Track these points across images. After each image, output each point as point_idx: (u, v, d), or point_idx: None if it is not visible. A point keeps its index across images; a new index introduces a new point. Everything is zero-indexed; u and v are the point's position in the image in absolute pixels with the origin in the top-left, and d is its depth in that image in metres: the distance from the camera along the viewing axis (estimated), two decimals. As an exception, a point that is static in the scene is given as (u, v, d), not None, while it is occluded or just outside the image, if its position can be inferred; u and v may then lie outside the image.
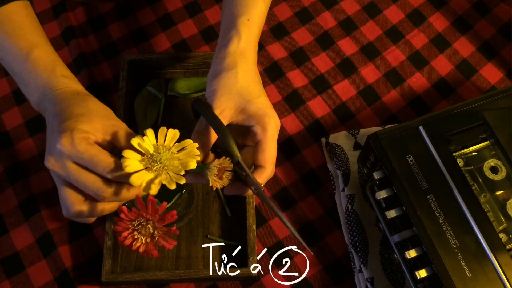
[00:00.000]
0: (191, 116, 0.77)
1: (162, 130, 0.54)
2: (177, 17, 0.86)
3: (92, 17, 0.87)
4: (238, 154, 0.57)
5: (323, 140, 0.75)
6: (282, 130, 0.77)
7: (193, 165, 0.54)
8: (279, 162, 0.75)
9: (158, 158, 0.53)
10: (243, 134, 0.62)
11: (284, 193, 0.73)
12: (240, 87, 0.60)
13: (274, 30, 0.85)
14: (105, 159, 0.53)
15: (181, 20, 0.86)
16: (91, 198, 0.55)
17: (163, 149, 0.54)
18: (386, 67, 0.82)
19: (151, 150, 0.54)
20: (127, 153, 0.52)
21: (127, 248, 0.52)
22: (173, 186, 0.53)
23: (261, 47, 0.83)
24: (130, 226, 0.52)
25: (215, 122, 0.57)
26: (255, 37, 0.64)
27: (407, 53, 0.83)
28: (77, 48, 0.82)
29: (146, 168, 0.53)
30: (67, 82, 0.60)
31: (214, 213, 0.71)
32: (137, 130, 0.76)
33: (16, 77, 0.61)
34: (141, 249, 0.52)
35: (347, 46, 0.83)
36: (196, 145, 0.55)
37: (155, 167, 0.53)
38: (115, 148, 0.56)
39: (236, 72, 0.60)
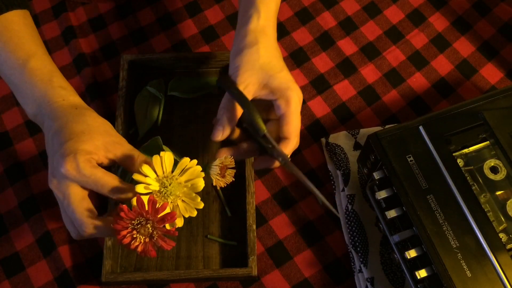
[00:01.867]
0: (191, 116, 0.78)
1: (156, 159, 0.55)
2: (177, 17, 0.86)
3: (92, 17, 0.87)
4: (264, 128, 0.59)
5: (323, 140, 0.75)
6: (282, 130, 0.77)
7: (202, 185, 0.55)
8: (279, 162, 0.75)
9: (168, 192, 0.54)
10: (267, 108, 0.64)
11: (284, 193, 0.73)
12: (263, 63, 0.62)
13: (274, 30, 0.85)
14: (111, 182, 0.54)
15: (181, 20, 0.86)
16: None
17: (167, 180, 0.55)
18: (386, 67, 0.82)
19: (158, 187, 0.54)
20: (139, 188, 0.53)
21: (126, 247, 0.52)
22: (194, 213, 0.55)
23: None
24: (130, 225, 0.52)
25: (240, 97, 0.59)
26: (273, 14, 0.66)
27: (407, 53, 0.83)
28: (77, 48, 0.82)
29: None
30: (64, 94, 0.59)
31: (214, 213, 0.71)
32: (137, 130, 0.76)
33: (13, 87, 0.61)
34: (139, 249, 0.52)
35: (347, 46, 0.83)
36: (195, 161, 0.55)
37: (170, 200, 0.54)
38: (115, 163, 0.57)
39: (257, 48, 0.62)
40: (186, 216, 0.56)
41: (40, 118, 0.59)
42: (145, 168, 0.55)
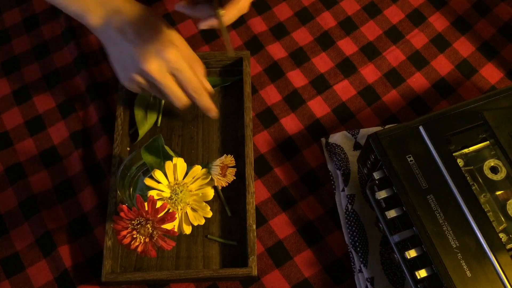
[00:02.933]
0: (190, 116, 0.78)
1: (169, 166, 0.55)
2: (177, 17, 0.86)
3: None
4: None
5: (323, 140, 0.75)
6: (282, 130, 0.77)
7: (211, 194, 0.56)
8: (279, 162, 0.75)
9: (179, 199, 0.55)
10: None
11: (284, 193, 0.73)
12: None
13: (274, 30, 0.85)
14: (197, 81, 0.67)
15: (181, 20, 0.86)
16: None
17: (178, 188, 0.55)
18: (386, 67, 0.82)
19: (169, 194, 0.55)
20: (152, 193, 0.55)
21: (126, 247, 0.52)
22: (202, 222, 0.55)
23: (261, 47, 0.83)
24: (130, 225, 0.52)
25: None
26: None
27: (407, 53, 0.83)
28: (77, 48, 0.82)
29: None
30: None
31: (214, 213, 0.71)
32: (137, 130, 0.76)
33: None
34: (139, 249, 0.52)
35: (347, 46, 0.83)
36: (204, 170, 0.56)
37: (179, 207, 0.55)
38: None
39: None
40: (195, 224, 0.57)
41: (109, 15, 0.64)
42: (158, 174, 0.55)
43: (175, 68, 0.64)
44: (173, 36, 0.66)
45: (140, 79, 0.65)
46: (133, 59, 0.63)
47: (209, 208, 0.57)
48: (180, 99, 0.67)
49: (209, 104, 0.70)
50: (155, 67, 0.63)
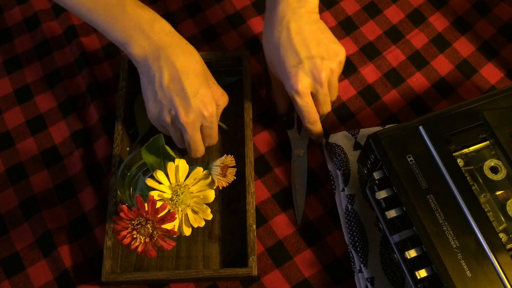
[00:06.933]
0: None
1: (171, 167, 0.55)
2: (178, 17, 0.86)
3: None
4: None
5: (323, 140, 0.75)
6: (282, 130, 0.77)
7: (212, 196, 0.56)
8: (279, 162, 0.75)
9: (180, 201, 0.55)
10: None
11: (284, 193, 0.73)
12: None
13: (274, 30, 0.85)
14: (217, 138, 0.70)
15: (182, 20, 0.86)
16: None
17: (180, 189, 0.55)
18: (386, 67, 0.82)
19: (170, 195, 0.55)
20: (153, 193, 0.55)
21: (126, 247, 0.52)
22: (202, 224, 0.55)
23: (261, 47, 0.83)
24: (130, 225, 0.52)
25: None
26: None
27: (407, 53, 0.83)
28: (78, 47, 0.82)
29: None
30: (168, 27, 0.66)
31: (214, 213, 0.71)
32: (137, 130, 0.76)
33: (110, 20, 0.64)
34: (139, 249, 0.52)
35: (347, 46, 0.83)
36: (206, 172, 0.57)
37: (180, 209, 0.55)
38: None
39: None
40: (195, 226, 0.57)
41: (153, 52, 0.63)
42: (160, 175, 0.55)
43: (208, 126, 0.66)
44: (214, 87, 0.67)
45: (170, 125, 0.65)
46: (171, 103, 0.63)
47: (209, 210, 0.57)
48: (199, 152, 0.68)
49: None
50: (191, 120, 0.64)
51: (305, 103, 0.67)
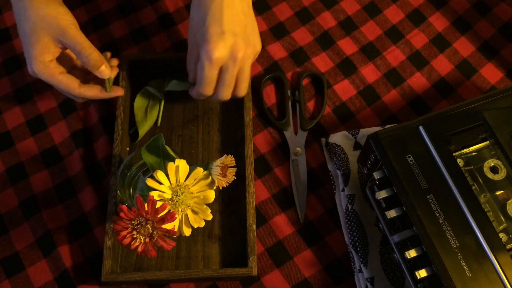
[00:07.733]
0: (190, 116, 0.78)
1: (171, 167, 0.55)
2: (178, 17, 0.86)
3: (93, 15, 0.87)
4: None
5: (323, 140, 0.75)
6: (282, 130, 0.77)
7: (212, 197, 0.56)
8: (279, 162, 0.75)
9: (180, 201, 0.55)
10: None
11: (284, 193, 0.73)
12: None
13: (274, 30, 0.85)
14: (72, 84, 0.67)
15: (182, 20, 0.86)
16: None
17: (180, 189, 0.55)
18: (386, 67, 0.82)
19: (170, 195, 0.55)
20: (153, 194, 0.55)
21: (126, 247, 0.52)
22: (202, 224, 0.55)
23: (261, 47, 0.83)
24: (130, 225, 0.52)
25: None
26: None
27: (407, 53, 0.83)
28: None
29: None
30: None
31: (214, 213, 0.71)
32: (137, 130, 0.76)
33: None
34: (139, 249, 0.52)
35: (347, 46, 0.83)
36: (206, 172, 0.57)
37: (180, 209, 0.55)
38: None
39: None
40: (195, 226, 0.57)
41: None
42: (160, 175, 0.55)
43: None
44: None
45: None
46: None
47: (209, 210, 0.57)
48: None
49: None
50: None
51: (211, 74, 0.65)
